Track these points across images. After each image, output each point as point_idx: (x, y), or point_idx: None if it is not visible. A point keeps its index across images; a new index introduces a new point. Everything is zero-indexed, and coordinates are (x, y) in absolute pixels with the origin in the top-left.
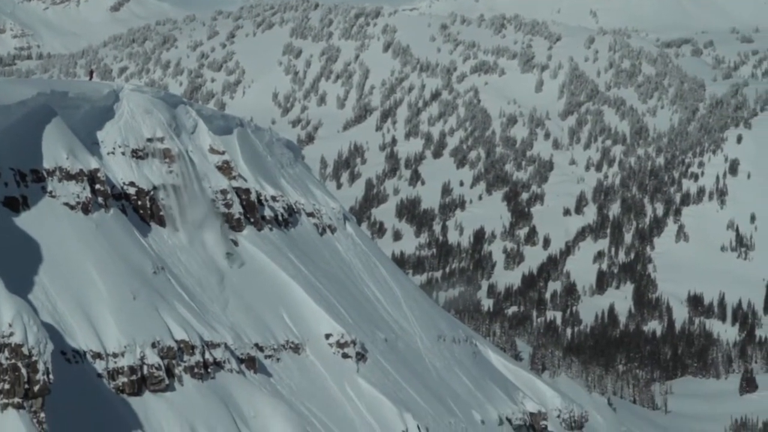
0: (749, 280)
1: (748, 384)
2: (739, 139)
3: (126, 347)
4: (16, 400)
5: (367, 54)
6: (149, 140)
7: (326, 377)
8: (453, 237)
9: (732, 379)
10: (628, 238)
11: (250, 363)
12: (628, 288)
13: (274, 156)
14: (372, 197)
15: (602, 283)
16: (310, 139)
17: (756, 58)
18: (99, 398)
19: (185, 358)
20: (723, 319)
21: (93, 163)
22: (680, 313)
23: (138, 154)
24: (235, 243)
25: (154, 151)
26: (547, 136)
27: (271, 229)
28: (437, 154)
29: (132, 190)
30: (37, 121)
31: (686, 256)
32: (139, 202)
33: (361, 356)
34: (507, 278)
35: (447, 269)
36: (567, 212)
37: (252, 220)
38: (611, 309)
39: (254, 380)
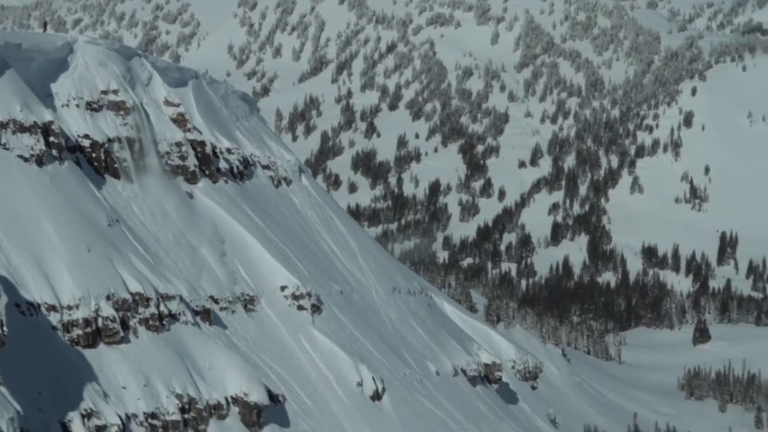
0: (703, 231)
1: (701, 334)
2: (694, 92)
3: (80, 300)
4: None
5: (323, 6)
6: (104, 92)
7: (281, 329)
8: (408, 189)
9: (685, 330)
10: (582, 190)
11: (205, 315)
12: (583, 240)
13: (229, 108)
14: (327, 150)
15: (557, 234)
16: (266, 91)
17: (711, 11)
18: (53, 350)
19: (140, 310)
20: (677, 270)
21: (47, 116)
22: (634, 265)
23: (92, 107)
24: (190, 196)
25: (108, 104)
26: (502, 88)
27: (226, 182)
28: (393, 107)
29: (86, 143)
30: None
31: (640, 208)
32: (94, 155)
33: (316, 308)
34: (462, 230)
35: (402, 221)
36: (522, 164)
37: (207, 172)
38: (566, 261)
39: (209, 332)
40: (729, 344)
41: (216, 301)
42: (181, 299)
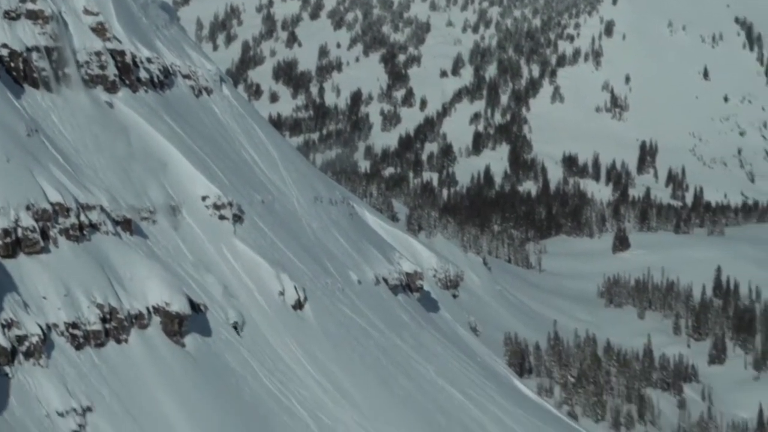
0: (623, 140)
1: (621, 243)
2: (615, 1)
3: (0, 210)
4: None
5: None
6: (21, 1)
7: (203, 239)
8: (330, 99)
9: (605, 238)
10: (504, 99)
11: (126, 225)
12: (504, 149)
13: (149, 18)
14: (248, 59)
15: (478, 144)
16: (186, 0)
17: None
18: None
19: (60, 220)
20: (597, 179)
21: None
22: (555, 174)
23: (10, 15)
24: (110, 105)
25: (26, 12)
26: None
27: (146, 92)
28: (314, 16)
29: (4, 52)
30: None
31: (561, 118)
32: (12, 64)
33: (237, 218)
34: (384, 140)
35: (324, 131)
36: (444, 74)
37: (127, 82)
38: (487, 170)
39: (130, 242)
40: (648, 252)
41: (137, 211)
42: (102, 209)
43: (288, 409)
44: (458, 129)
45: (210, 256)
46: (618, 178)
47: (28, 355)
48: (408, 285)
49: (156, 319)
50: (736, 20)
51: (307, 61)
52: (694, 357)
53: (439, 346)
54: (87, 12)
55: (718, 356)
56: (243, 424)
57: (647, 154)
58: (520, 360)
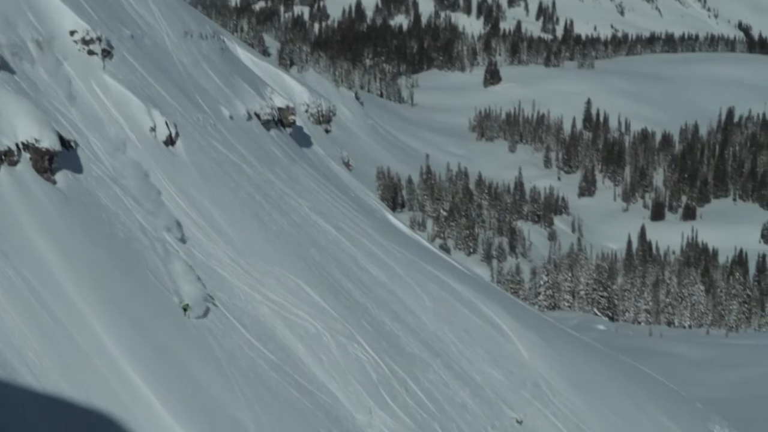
0: None
1: (492, 76)
2: None
3: None
4: None
5: None
6: None
7: (72, 75)
8: None
9: (476, 72)
10: None
11: None
12: None
13: None
14: None
15: None
16: None
17: None
18: None
19: None
20: (468, 12)
21: None
22: (426, 7)
23: None
24: None
25: None
26: None
27: None
28: None
29: None
30: None
31: None
32: None
33: (107, 53)
34: None
35: None
36: None
37: None
38: (358, 4)
39: None
40: (519, 85)
41: (3, 47)
42: None
43: (161, 244)
44: None
45: (80, 92)
46: (489, 11)
47: None
48: (280, 120)
49: (26, 156)
50: None
51: None
52: (565, 189)
53: (312, 181)
54: None
55: (587, 188)
56: (116, 261)
57: None
58: (393, 194)
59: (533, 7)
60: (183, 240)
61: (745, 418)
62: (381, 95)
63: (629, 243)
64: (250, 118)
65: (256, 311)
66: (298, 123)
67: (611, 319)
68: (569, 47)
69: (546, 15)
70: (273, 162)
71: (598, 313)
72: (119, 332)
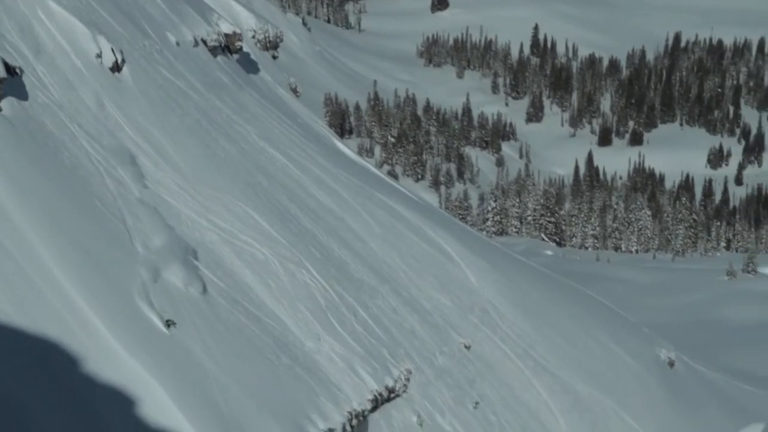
0: None
1: (440, 2)
2: None
3: None
4: None
5: None
6: None
7: (16, 1)
8: None
9: None
10: None
11: None
12: None
13: None
14: None
15: None
16: None
17: None
18: None
19: None
20: None
21: None
22: None
23: None
24: None
25: None
26: None
27: None
28: None
29: None
30: None
31: None
32: None
33: None
34: None
35: None
36: None
37: None
38: None
39: None
40: (467, 11)
41: None
42: None
43: (108, 172)
44: None
45: (23, 18)
46: None
47: None
48: (227, 46)
49: None
50: None
51: None
52: (512, 115)
53: (259, 107)
54: None
55: (535, 114)
56: (63, 188)
57: None
58: (341, 121)
59: None
60: (129, 167)
61: (691, 342)
62: (328, 21)
63: (576, 169)
64: (196, 44)
65: (204, 238)
66: (245, 49)
67: (558, 244)
68: None
69: None
70: (220, 88)
71: (546, 239)
72: (69, 262)
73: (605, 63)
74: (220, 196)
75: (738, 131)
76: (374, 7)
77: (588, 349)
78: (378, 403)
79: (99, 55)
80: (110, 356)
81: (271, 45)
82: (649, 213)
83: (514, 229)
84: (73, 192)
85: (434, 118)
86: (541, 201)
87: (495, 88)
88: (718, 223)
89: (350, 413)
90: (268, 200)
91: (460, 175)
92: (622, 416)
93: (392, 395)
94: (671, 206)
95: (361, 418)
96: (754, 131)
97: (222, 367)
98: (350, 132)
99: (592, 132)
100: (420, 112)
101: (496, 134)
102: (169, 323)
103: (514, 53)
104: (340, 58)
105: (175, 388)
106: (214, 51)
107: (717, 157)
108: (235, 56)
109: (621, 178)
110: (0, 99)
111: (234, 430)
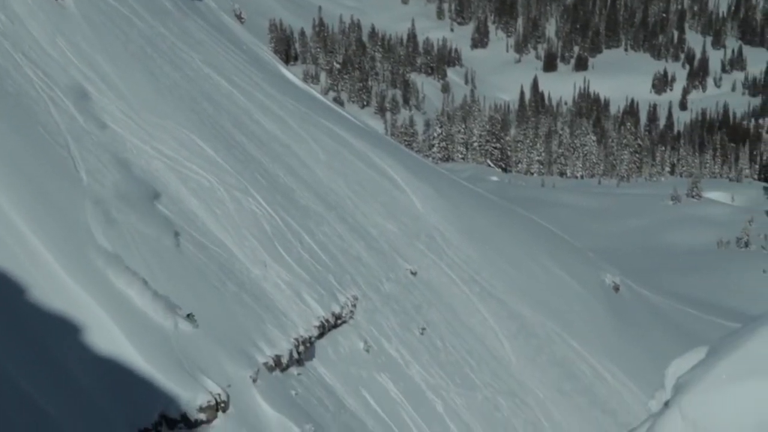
0: None
1: None
2: None
3: None
4: None
5: None
6: None
7: None
8: None
9: None
10: None
11: None
12: None
13: None
14: None
15: None
16: None
17: None
18: None
19: None
20: None
21: None
22: None
23: None
24: None
25: None
26: None
27: None
28: None
29: None
30: None
31: None
32: None
33: None
34: None
35: None
36: None
37: None
38: None
39: None
40: None
41: None
42: None
43: (53, 99)
44: None
45: None
46: None
47: None
48: None
49: None
50: None
51: None
52: (458, 41)
53: (204, 34)
54: None
55: (480, 40)
56: (6, 116)
57: None
58: (286, 47)
59: None
60: (72, 94)
61: (636, 267)
62: None
63: (522, 94)
64: None
65: (149, 166)
66: None
67: (504, 170)
68: None
69: None
70: (164, 15)
71: (492, 165)
72: (12, 189)
73: None
74: (165, 123)
75: (682, 56)
76: None
77: (533, 275)
78: (325, 329)
79: None
80: (57, 285)
81: None
82: (594, 138)
83: (460, 156)
84: (16, 119)
85: (379, 44)
86: (487, 127)
87: (440, 14)
88: (663, 148)
89: (297, 340)
90: (214, 127)
91: (406, 101)
92: (568, 340)
93: (339, 322)
94: (616, 131)
95: (308, 345)
96: (698, 56)
97: (168, 294)
98: (295, 58)
99: (537, 57)
100: (365, 38)
101: (442, 60)
102: (189, 316)
103: None
104: None
105: (121, 315)
106: None
107: (661, 83)
108: None
109: (566, 103)
110: None
111: (181, 357)
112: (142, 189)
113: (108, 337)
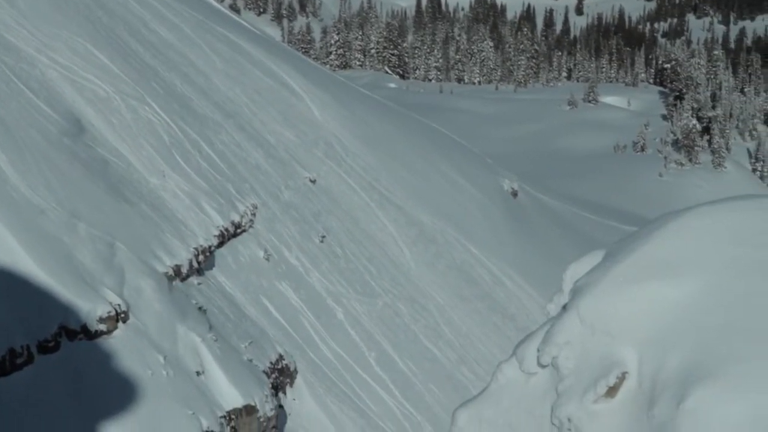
0: None
1: None
2: None
3: None
4: None
5: None
6: None
7: None
8: None
9: None
10: None
11: None
12: None
13: None
14: None
15: None
16: None
17: None
18: None
19: None
20: None
21: None
22: None
23: None
24: None
25: None
26: None
27: None
28: None
29: None
30: None
31: None
32: None
33: None
34: None
35: None
36: None
37: None
38: None
39: None
40: None
41: None
42: None
43: None
44: None
45: None
46: None
47: None
48: None
49: None
50: None
51: None
52: None
53: None
54: None
55: None
56: None
57: None
58: None
59: None
60: None
61: (534, 172)
62: None
63: (419, 0)
64: None
65: (44, 75)
66: None
67: (402, 77)
68: None
69: None
70: None
71: (389, 72)
72: None
73: None
74: (60, 32)
75: None
76: None
77: (432, 181)
78: (224, 238)
79: None
80: None
81: None
82: (491, 44)
83: (358, 63)
84: None
85: None
86: (384, 34)
87: None
88: (560, 54)
89: (197, 249)
90: (109, 36)
91: (303, 8)
92: (467, 246)
93: (238, 230)
94: (513, 37)
95: (208, 254)
96: None
97: (64, 205)
98: None
99: None
100: None
101: None
102: (200, 309)
103: None
104: None
105: (13, 224)
106: None
107: None
108: None
109: (463, 9)
110: None
111: (76, 265)
112: (37, 99)
113: (4, 247)
